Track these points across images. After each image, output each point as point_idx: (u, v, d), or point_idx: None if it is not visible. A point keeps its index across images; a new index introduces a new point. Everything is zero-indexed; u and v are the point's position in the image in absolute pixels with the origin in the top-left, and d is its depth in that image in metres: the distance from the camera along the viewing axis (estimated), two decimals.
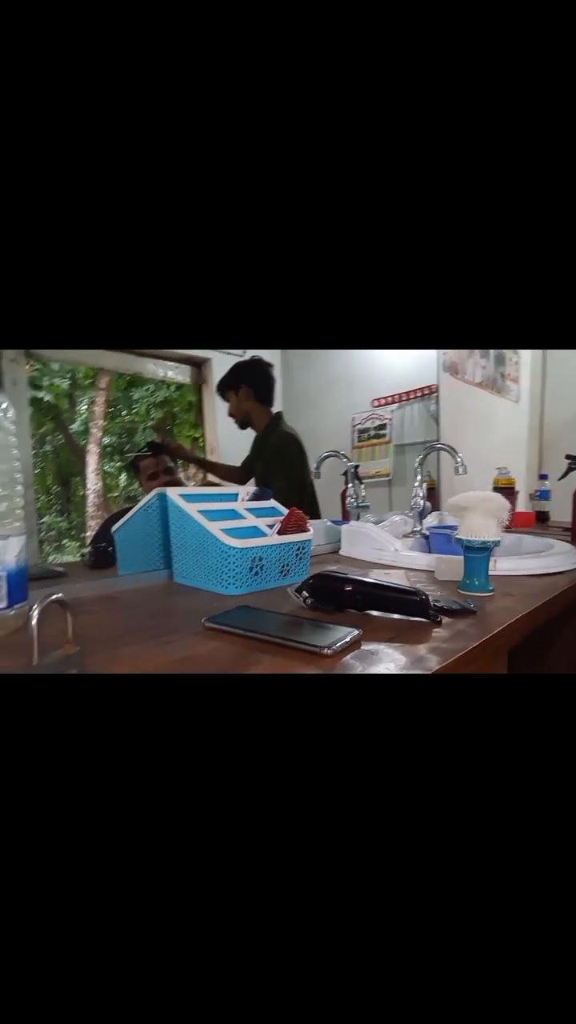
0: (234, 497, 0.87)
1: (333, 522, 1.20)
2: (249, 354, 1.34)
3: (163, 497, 0.80)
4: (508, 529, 0.96)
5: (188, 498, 0.78)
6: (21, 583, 0.52)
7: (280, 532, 0.80)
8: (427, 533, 1.14)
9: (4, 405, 0.49)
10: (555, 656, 1.20)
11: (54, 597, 0.39)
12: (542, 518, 1.64)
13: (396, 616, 0.61)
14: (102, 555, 0.88)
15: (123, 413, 1.45)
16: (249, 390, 1.26)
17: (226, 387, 1.26)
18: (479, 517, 0.71)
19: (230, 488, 0.88)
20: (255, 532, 0.80)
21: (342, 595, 0.63)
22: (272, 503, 0.90)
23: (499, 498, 0.73)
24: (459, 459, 1.10)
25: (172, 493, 0.78)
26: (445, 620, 0.59)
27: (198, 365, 1.38)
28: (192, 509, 0.76)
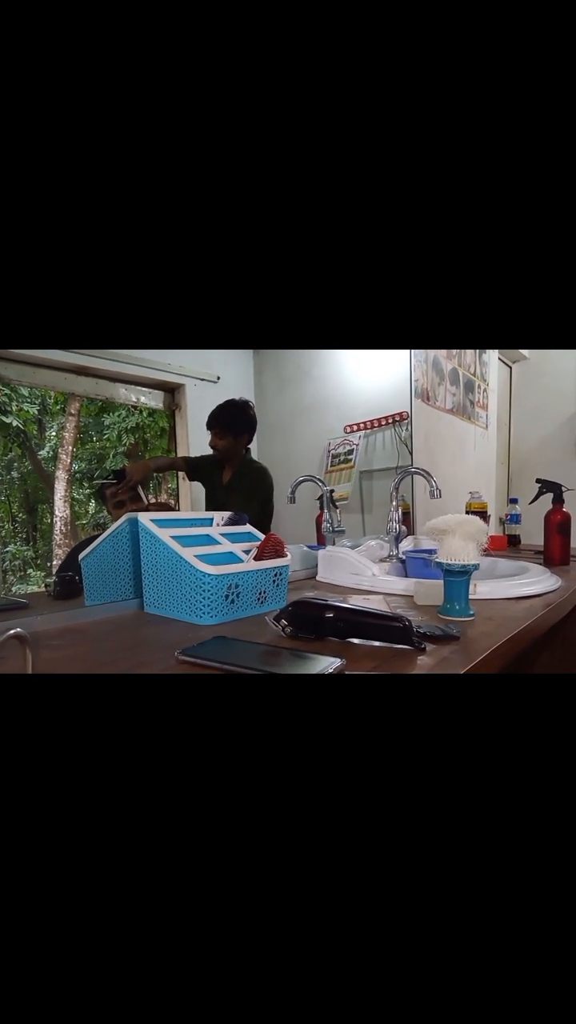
0: (209, 522, 0.84)
1: (309, 547, 1.18)
2: (218, 377, 1.33)
3: (134, 523, 0.77)
4: (483, 553, 0.96)
5: (160, 523, 0.75)
6: None
7: (256, 558, 0.78)
8: (404, 557, 1.13)
9: None
10: None
11: (12, 632, 0.36)
12: (514, 541, 1.66)
13: (378, 644, 0.58)
14: (68, 585, 0.84)
15: (93, 439, 1.42)
16: (250, 437, 1.26)
17: (225, 429, 1.23)
18: (458, 540, 0.70)
19: (204, 514, 0.85)
20: (231, 558, 0.77)
21: (322, 622, 0.60)
22: (248, 528, 0.88)
23: (477, 521, 0.73)
24: (434, 483, 1.11)
25: (144, 518, 0.75)
26: (429, 647, 0.58)
27: (171, 391, 1.36)
28: (164, 535, 0.72)
